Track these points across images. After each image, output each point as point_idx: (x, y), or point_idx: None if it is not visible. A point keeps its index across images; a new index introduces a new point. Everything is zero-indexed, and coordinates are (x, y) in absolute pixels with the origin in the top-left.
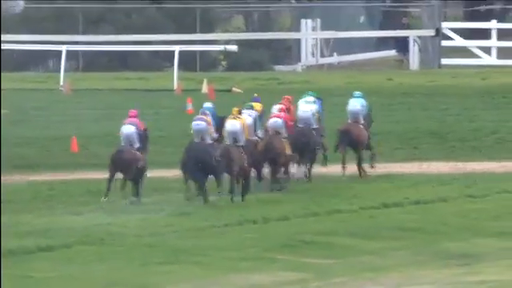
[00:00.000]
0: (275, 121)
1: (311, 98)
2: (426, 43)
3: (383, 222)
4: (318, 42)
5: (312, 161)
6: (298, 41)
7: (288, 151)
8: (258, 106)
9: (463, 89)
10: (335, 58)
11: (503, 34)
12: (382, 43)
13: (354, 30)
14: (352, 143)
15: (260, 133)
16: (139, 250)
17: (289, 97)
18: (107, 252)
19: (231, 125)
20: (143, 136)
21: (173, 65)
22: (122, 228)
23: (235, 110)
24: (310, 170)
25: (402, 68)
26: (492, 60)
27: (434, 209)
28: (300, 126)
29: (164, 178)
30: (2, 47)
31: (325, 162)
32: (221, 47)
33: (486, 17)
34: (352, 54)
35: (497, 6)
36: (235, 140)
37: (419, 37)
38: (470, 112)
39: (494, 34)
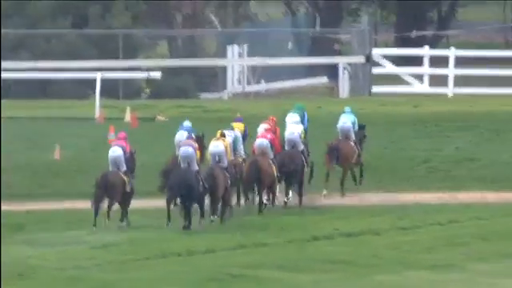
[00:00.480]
0: (261, 141)
1: (297, 117)
2: (356, 70)
3: (313, 254)
4: (245, 69)
5: (300, 185)
6: (224, 67)
7: (275, 172)
8: (240, 126)
9: (394, 117)
10: (262, 86)
11: (435, 61)
12: (311, 70)
13: (283, 57)
14: (340, 159)
15: (243, 153)
16: (62, 283)
17: (273, 117)
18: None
19: (214, 146)
20: (130, 159)
21: (95, 92)
22: (43, 261)
23: (219, 132)
24: (300, 195)
25: (333, 95)
26: (424, 88)
27: (366, 241)
28: (287, 148)
29: (79, 210)
30: None
31: (310, 178)
32: (144, 74)
33: (418, 43)
34: (280, 82)
35: (429, 32)
36: (218, 161)
37: (349, 64)
38: (401, 141)
39: (426, 60)
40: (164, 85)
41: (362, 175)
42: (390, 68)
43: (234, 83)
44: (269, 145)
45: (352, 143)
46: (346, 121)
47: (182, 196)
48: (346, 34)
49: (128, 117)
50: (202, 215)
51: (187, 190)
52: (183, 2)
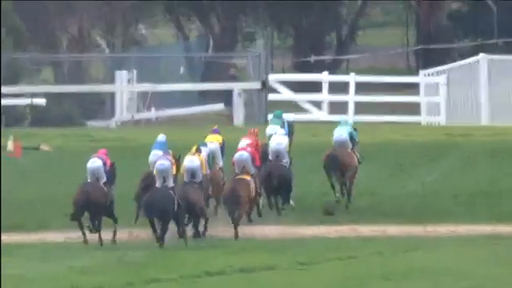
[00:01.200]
0: (241, 154)
1: (278, 128)
2: (251, 96)
3: None
4: (135, 96)
5: (287, 196)
6: (113, 94)
7: (253, 193)
8: (217, 137)
9: (292, 146)
10: (153, 113)
11: (335, 87)
12: (205, 96)
13: (174, 83)
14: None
15: (221, 163)
16: None
17: (255, 130)
18: None
19: (190, 161)
20: (111, 171)
21: None
22: None
23: (194, 148)
24: (282, 206)
25: (226, 123)
26: (323, 115)
27: (260, 277)
28: (271, 159)
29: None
30: None
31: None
32: (27, 101)
33: (317, 68)
34: (172, 109)
35: (328, 57)
36: (193, 176)
37: (244, 90)
38: (298, 172)
39: (325, 86)
40: (48, 112)
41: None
42: (287, 94)
43: (122, 111)
44: (249, 158)
45: (350, 151)
46: (342, 133)
47: (158, 217)
48: (240, 58)
49: (11, 146)
50: (183, 231)
51: (162, 210)
52: (69, 24)
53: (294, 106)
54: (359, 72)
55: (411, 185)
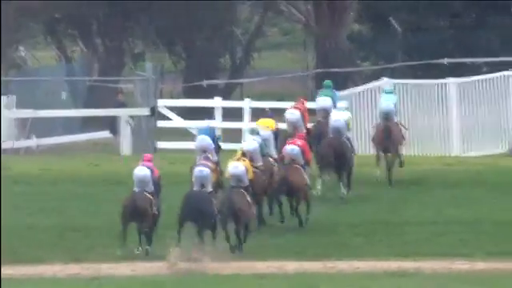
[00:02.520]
0: (292, 149)
1: (343, 104)
2: (139, 123)
3: None
4: (13, 123)
5: (349, 171)
6: None
7: (307, 181)
8: (270, 123)
9: (185, 176)
10: (34, 141)
11: (229, 113)
12: (90, 123)
13: (56, 109)
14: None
15: (275, 153)
16: None
17: (304, 99)
18: None
19: (234, 167)
20: (157, 183)
21: None
22: None
23: (239, 153)
24: (349, 181)
25: (113, 152)
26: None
27: None
28: (332, 136)
29: None
30: None
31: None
32: None
33: (209, 93)
34: (54, 137)
35: (221, 81)
36: (239, 181)
37: (132, 116)
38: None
39: (218, 113)
40: None
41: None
42: (177, 121)
43: (0, 138)
44: (300, 152)
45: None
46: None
47: (195, 220)
48: (128, 82)
49: None
50: (214, 237)
51: (200, 214)
52: None
53: (185, 134)
54: (255, 97)
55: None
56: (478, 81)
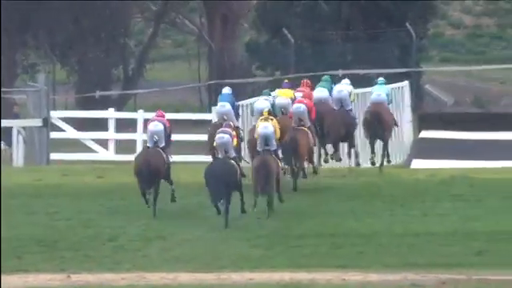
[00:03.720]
0: (298, 107)
1: (346, 81)
2: (32, 135)
3: None
4: None
5: (352, 144)
6: None
7: (312, 144)
8: (289, 93)
9: (77, 188)
10: None
11: (122, 125)
12: None
13: None
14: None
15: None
16: None
17: (307, 81)
18: None
19: (263, 127)
20: (169, 135)
21: None
22: None
23: (265, 112)
24: (356, 154)
25: (6, 163)
26: (109, 155)
27: None
28: (336, 108)
29: None
30: None
31: None
32: None
33: (103, 104)
34: None
35: (114, 92)
36: (266, 144)
37: (24, 127)
38: (84, 216)
39: (111, 124)
40: None
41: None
42: (70, 133)
43: None
44: (306, 110)
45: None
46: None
47: (220, 187)
48: (20, 94)
49: None
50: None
51: (225, 181)
52: None
53: (79, 145)
54: (148, 108)
55: (201, 228)
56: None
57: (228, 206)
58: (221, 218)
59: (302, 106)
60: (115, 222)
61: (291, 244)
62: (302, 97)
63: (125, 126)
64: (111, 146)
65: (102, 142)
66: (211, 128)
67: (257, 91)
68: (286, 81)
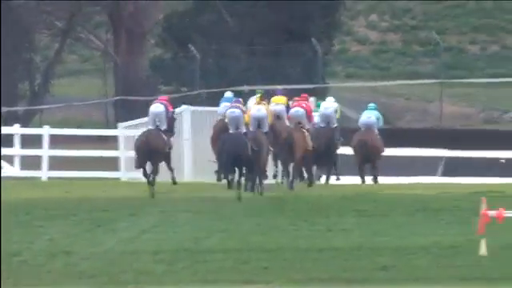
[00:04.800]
0: (297, 110)
1: (331, 98)
2: None
3: None
4: None
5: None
6: None
7: (309, 146)
8: (283, 99)
9: None
10: None
11: (28, 141)
12: None
13: None
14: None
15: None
16: None
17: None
18: None
19: (257, 110)
20: (171, 117)
21: None
22: None
23: (258, 96)
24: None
25: None
26: (15, 171)
27: None
28: (322, 125)
29: None
30: None
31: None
32: None
33: (8, 120)
34: None
35: (20, 108)
36: (259, 126)
37: None
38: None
39: (17, 140)
40: None
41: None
42: None
43: None
44: (304, 113)
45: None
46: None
47: (236, 160)
48: None
49: None
50: (254, 178)
51: (238, 154)
52: None
53: None
54: (54, 124)
55: (109, 242)
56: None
57: (240, 180)
58: (129, 231)
59: (301, 110)
60: (20, 237)
61: (196, 259)
62: (299, 105)
63: (31, 141)
64: (17, 161)
65: (8, 158)
66: (218, 123)
67: None
68: (280, 88)
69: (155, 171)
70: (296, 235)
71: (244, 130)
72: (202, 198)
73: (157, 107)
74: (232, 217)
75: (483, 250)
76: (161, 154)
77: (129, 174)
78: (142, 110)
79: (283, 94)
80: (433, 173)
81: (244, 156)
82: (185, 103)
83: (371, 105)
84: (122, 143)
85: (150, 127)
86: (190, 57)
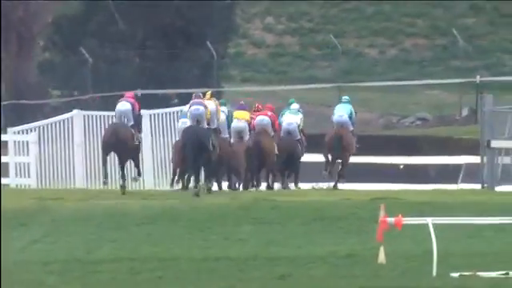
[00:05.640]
0: (262, 119)
1: (296, 105)
2: None
3: None
4: None
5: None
6: None
7: (275, 151)
8: (245, 115)
9: None
10: None
11: None
12: None
13: None
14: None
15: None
16: None
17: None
18: None
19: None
20: (138, 117)
21: None
22: None
23: (208, 93)
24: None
25: None
26: None
27: None
28: (286, 137)
29: None
30: None
31: None
32: None
33: None
34: None
35: None
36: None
37: None
38: None
39: None
40: None
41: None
42: None
43: None
44: (269, 122)
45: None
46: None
47: (195, 152)
48: None
49: None
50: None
51: (200, 145)
52: None
53: None
54: None
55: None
56: (171, 113)
57: (197, 175)
58: (20, 240)
59: (266, 119)
60: None
61: (88, 269)
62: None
63: None
64: None
65: None
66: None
67: (54, 111)
68: (242, 102)
69: (123, 167)
70: (191, 245)
71: (206, 126)
72: (93, 205)
73: (123, 105)
74: (123, 226)
75: (382, 258)
76: (129, 147)
77: (18, 180)
78: (32, 115)
79: (244, 108)
80: (331, 179)
81: (204, 147)
82: (75, 107)
83: (345, 97)
84: (11, 149)
85: (116, 121)
86: (82, 60)
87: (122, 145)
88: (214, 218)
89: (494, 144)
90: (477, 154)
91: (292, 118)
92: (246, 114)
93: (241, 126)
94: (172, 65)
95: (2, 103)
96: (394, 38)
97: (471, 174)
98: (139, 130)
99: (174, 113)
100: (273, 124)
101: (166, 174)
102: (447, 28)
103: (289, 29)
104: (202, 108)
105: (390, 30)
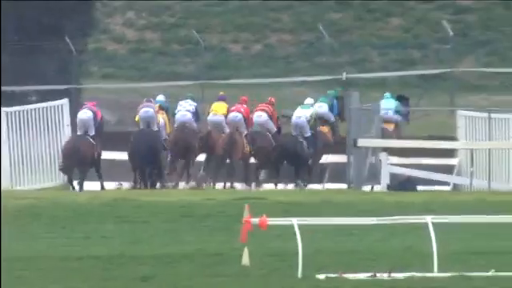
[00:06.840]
0: (235, 116)
1: (310, 100)
2: None
3: None
4: None
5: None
6: None
7: (246, 148)
8: (223, 108)
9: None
10: None
11: None
12: None
13: None
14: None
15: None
16: None
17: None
18: None
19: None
20: (101, 124)
21: None
22: None
23: (157, 106)
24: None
25: None
26: None
27: None
28: (294, 133)
29: None
30: None
31: None
32: None
33: None
34: None
35: None
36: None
37: None
38: None
39: None
40: None
41: None
42: None
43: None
44: (242, 119)
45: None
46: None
47: (145, 157)
48: None
49: None
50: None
51: (150, 150)
52: None
53: None
54: None
55: None
56: (29, 110)
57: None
58: None
59: (239, 116)
60: None
61: None
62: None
63: None
64: None
65: None
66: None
67: None
68: (222, 93)
69: (82, 178)
70: (52, 243)
71: (156, 128)
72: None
73: (84, 113)
74: None
75: (246, 259)
76: (89, 160)
77: None
78: None
79: (224, 99)
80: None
81: (155, 150)
82: None
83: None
84: None
85: (79, 133)
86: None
87: (83, 159)
88: (76, 216)
89: (361, 143)
90: (343, 153)
91: (301, 112)
92: (223, 107)
93: (217, 119)
94: (31, 59)
95: None
96: (259, 33)
97: (336, 173)
98: (100, 138)
99: (31, 110)
100: (246, 121)
101: (23, 172)
102: (313, 23)
103: (150, 24)
104: (151, 110)
105: (254, 25)
